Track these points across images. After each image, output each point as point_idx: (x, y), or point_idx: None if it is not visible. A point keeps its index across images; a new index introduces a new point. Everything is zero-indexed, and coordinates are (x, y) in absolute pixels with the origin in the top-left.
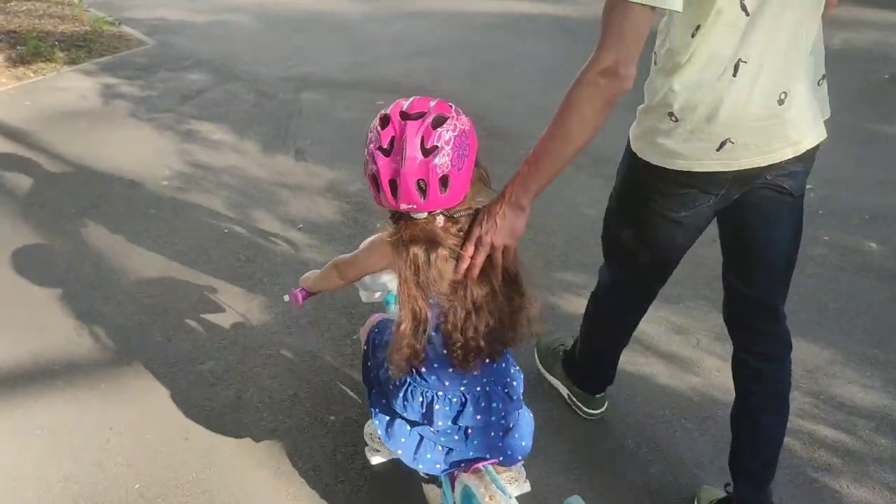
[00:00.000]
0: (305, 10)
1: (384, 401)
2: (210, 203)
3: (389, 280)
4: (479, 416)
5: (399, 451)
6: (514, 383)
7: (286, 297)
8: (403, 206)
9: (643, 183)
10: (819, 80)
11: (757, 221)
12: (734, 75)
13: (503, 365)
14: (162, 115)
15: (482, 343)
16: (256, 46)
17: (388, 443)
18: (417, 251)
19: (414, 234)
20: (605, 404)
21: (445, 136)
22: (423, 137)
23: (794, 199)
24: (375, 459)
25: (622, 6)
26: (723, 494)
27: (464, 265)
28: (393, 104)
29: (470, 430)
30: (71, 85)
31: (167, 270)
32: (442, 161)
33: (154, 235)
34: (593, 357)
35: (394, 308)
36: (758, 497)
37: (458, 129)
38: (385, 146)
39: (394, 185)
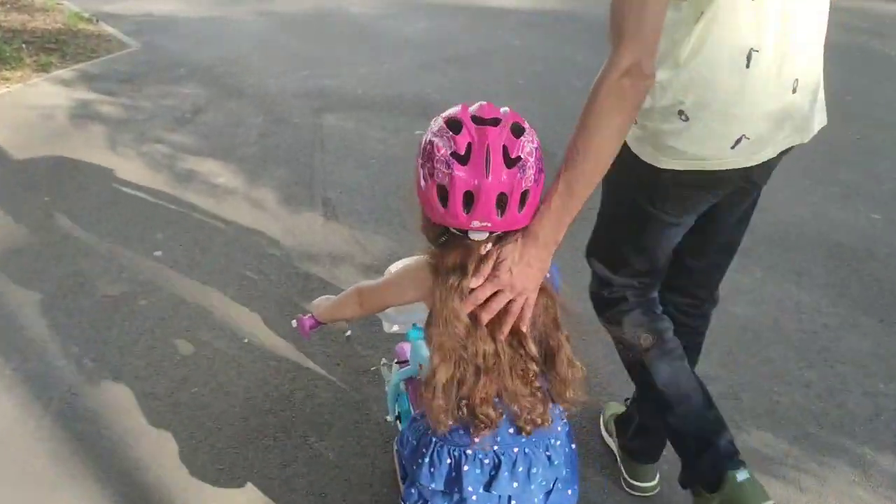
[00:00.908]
0: (314, 4)
1: (412, 490)
2: (220, 285)
3: (423, 308)
4: (515, 484)
5: None
6: (558, 444)
7: (293, 323)
8: (475, 224)
9: (647, 188)
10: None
11: (725, 209)
12: (747, 66)
13: (541, 435)
14: (150, 149)
15: (492, 413)
16: (261, 50)
17: None
18: (464, 283)
19: (461, 262)
20: (657, 478)
21: (527, 147)
22: (505, 146)
23: (757, 189)
24: None
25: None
26: (623, 409)
27: (468, 307)
28: (456, 108)
29: (512, 500)
30: (38, 101)
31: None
32: (526, 174)
33: (151, 358)
34: (641, 408)
35: (417, 344)
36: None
37: (535, 140)
38: (461, 153)
39: (470, 198)
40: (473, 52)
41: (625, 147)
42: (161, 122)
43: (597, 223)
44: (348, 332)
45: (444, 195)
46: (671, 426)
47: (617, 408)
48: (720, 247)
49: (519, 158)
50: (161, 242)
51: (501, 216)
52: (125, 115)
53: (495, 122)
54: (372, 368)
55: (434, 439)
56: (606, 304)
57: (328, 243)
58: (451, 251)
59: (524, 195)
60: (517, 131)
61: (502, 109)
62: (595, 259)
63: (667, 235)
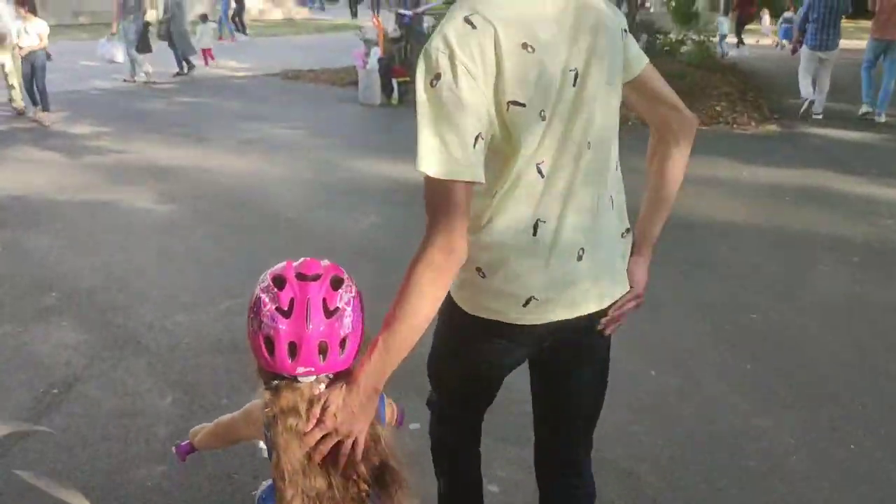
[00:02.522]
0: (230, 185)
1: None
2: None
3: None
4: None
5: None
6: None
7: (174, 448)
8: (300, 370)
9: (461, 330)
10: (623, 233)
11: (561, 375)
12: (534, 234)
13: None
14: None
15: None
16: (163, 260)
17: None
18: (294, 422)
19: (293, 404)
20: None
21: (345, 297)
22: (324, 299)
23: (597, 353)
24: None
25: (440, 185)
26: None
27: (303, 449)
28: (282, 265)
29: None
30: None
31: None
32: (344, 323)
33: None
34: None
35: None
36: None
37: (353, 290)
38: (285, 308)
39: (293, 347)
40: None
41: (448, 295)
42: (16, 412)
43: (428, 357)
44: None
45: (270, 346)
46: None
47: None
48: (573, 417)
49: (337, 309)
50: None
51: (324, 361)
52: None
53: (316, 277)
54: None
55: None
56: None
57: None
58: (284, 394)
59: (343, 341)
60: (336, 284)
61: (323, 263)
62: (434, 386)
63: (485, 372)
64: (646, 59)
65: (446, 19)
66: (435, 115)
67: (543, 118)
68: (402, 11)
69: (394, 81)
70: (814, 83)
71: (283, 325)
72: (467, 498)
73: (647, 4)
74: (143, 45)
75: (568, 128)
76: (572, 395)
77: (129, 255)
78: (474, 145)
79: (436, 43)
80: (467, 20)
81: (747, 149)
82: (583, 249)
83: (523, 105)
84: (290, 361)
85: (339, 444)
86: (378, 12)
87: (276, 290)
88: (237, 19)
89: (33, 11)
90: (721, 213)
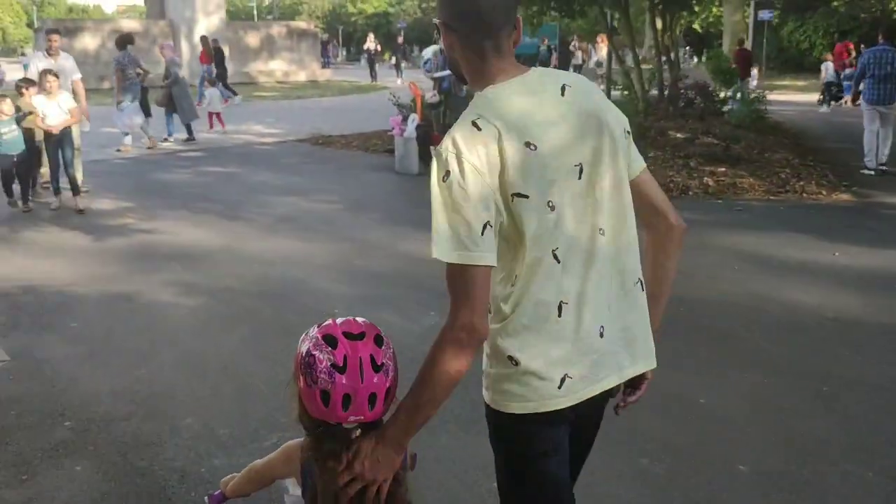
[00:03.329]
0: (263, 273)
1: None
2: None
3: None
4: None
5: None
6: None
7: (206, 498)
8: (351, 419)
9: (509, 435)
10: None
11: (576, 449)
12: (560, 316)
13: None
14: None
15: None
16: (195, 376)
17: None
18: (333, 465)
19: (334, 449)
20: None
21: (387, 353)
22: (372, 356)
23: (591, 430)
24: None
25: (459, 270)
26: None
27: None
28: (328, 323)
29: None
30: None
31: None
32: (389, 376)
33: None
34: None
35: None
36: None
37: (391, 346)
38: (340, 364)
39: (347, 399)
40: None
41: (486, 409)
42: None
43: (500, 495)
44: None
45: (326, 398)
46: None
47: None
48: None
49: (384, 364)
50: None
51: (371, 410)
52: None
53: (361, 336)
54: None
55: None
56: None
57: None
58: (327, 439)
59: (388, 392)
60: (379, 341)
61: (360, 320)
62: None
63: (548, 470)
64: (643, 164)
65: (457, 123)
66: (446, 207)
67: (552, 208)
68: (437, 75)
69: (432, 149)
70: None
71: (339, 379)
72: None
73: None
74: (145, 111)
75: (579, 217)
76: (578, 464)
77: (154, 369)
78: (482, 233)
79: (446, 144)
80: (474, 124)
81: (828, 225)
82: (603, 327)
83: (527, 196)
84: (343, 412)
85: (366, 486)
86: (400, 74)
87: (329, 348)
88: (222, 83)
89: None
90: (836, 308)
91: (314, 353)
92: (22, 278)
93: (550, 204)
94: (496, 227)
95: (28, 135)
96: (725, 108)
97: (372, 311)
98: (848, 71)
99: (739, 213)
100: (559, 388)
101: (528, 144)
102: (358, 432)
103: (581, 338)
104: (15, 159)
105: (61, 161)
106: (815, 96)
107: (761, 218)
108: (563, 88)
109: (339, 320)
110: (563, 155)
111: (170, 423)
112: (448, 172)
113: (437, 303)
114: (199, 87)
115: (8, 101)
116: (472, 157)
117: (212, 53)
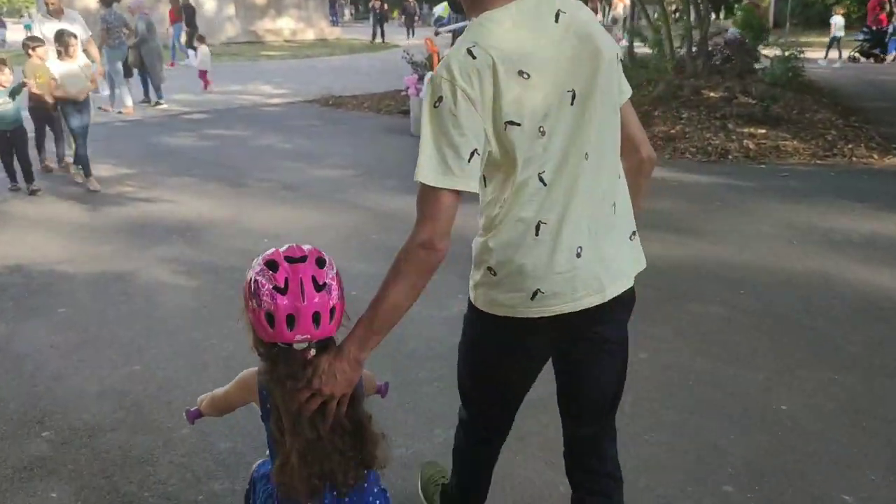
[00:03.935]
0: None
1: None
2: None
3: None
4: None
5: None
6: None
7: (185, 413)
8: (298, 338)
9: (481, 331)
10: (630, 236)
11: (581, 367)
12: (536, 235)
13: (364, 486)
14: None
15: (317, 482)
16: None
17: None
18: (291, 384)
19: (290, 369)
20: None
21: (330, 273)
22: (314, 276)
23: (612, 344)
24: None
25: (433, 191)
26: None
27: (295, 406)
28: (269, 252)
29: None
30: None
31: None
32: (332, 295)
33: None
34: (462, 491)
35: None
36: None
37: (335, 267)
38: (281, 286)
39: (291, 319)
40: None
41: (469, 301)
42: None
43: (458, 370)
44: None
45: (271, 320)
46: None
47: (433, 471)
48: (595, 406)
49: (326, 284)
50: None
51: (317, 329)
52: None
53: (303, 258)
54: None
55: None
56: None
57: None
58: (281, 361)
59: (332, 311)
60: (320, 263)
61: (305, 247)
62: (464, 399)
63: (506, 372)
64: (629, 94)
65: (453, 50)
66: (435, 132)
67: (542, 133)
68: (452, 27)
69: (426, 76)
70: None
71: (281, 300)
72: (475, 490)
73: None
74: (126, 72)
75: (568, 142)
76: (590, 385)
77: (148, 363)
78: (469, 160)
79: (440, 71)
80: (469, 52)
81: (887, 192)
82: (581, 248)
83: (519, 124)
84: (288, 332)
85: (325, 402)
86: (412, 34)
87: (271, 272)
88: (188, 43)
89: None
90: None
91: (258, 278)
92: (8, 255)
93: (542, 130)
94: (483, 154)
95: (37, 103)
96: (759, 66)
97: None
98: (890, 28)
99: (786, 178)
100: (531, 299)
101: (521, 73)
102: (313, 352)
103: (556, 257)
104: (8, 135)
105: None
106: (843, 53)
107: (811, 185)
108: (557, 14)
109: (283, 247)
110: (556, 82)
111: (164, 435)
112: (440, 98)
113: (466, 286)
114: (172, 49)
115: (6, 70)
116: (464, 85)
117: (181, 12)
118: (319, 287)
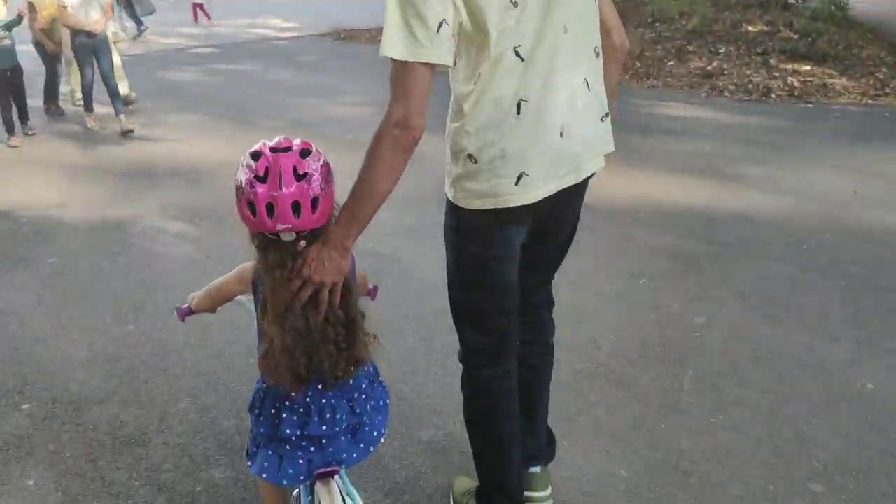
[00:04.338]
0: None
1: (251, 436)
2: None
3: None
4: (324, 427)
5: (264, 475)
6: (363, 398)
7: (175, 311)
8: (279, 227)
9: (466, 232)
10: (602, 117)
11: (540, 241)
12: (518, 113)
13: (350, 382)
14: None
15: (304, 372)
16: (201, 360)
17: (253, 470)
18: (280, 273)
19: (279, 259)
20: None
21: (313, 164)
22: (295, 166)
23: (572, 220)
24: None
25: (404, 67)
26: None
27: (287, 296)
28: (258, 144)
29: (324, 440)
30: None
31: None
32: (313, 185)
33: None
34: (495, 469)
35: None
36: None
37: (321, 159)
38: (261, 175)
39: (270, 207)
40: None
41: (447, 202)
42: None
43: (450, 294)
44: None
45: (252, 208)
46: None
47: (465, 483)
48: (545, 266)
49: (306, 174)
50: None
51: (298, 218)
52: None
53: (287, 149)
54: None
55: (263, 394)
56: (475, 364)
57: None
58: (271, 251)
59: (314, 201)
60: (304, 154)
61: (295, 141)
62: (461, 324)
63: (500, 272)
64: None
65: None
66: (401, 3)
67: (515, 4)
68: None
69: None
70: None
71: (260, 189)
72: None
73: None
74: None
75: (544, 14)
76: (546, 255)
77: (144, 323)
78: (438, 30)
79: None
80: None
81: None
82: (563, 127)
83: None
84: (269, 220)
85: (318, 293)
86: None
87: (253, 162)
88: None
89: None
90: None
91: (241, 169)
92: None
93: (513, 0)
94: (453, 25)
95: (40, 38)
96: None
97: (410, 245)
98: None
99: (839, 119)
100: (516, 184)
101: None
102: (303, 244)
103: (539, 136)
104: (8, 74)
105: (96, 72)
106: None
107: (866, 126)
108: None
109: (273, 139)
110: None
111: (159, 409)
112: None
113: None
114: None
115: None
116: None
117: None
118: (299, 177)
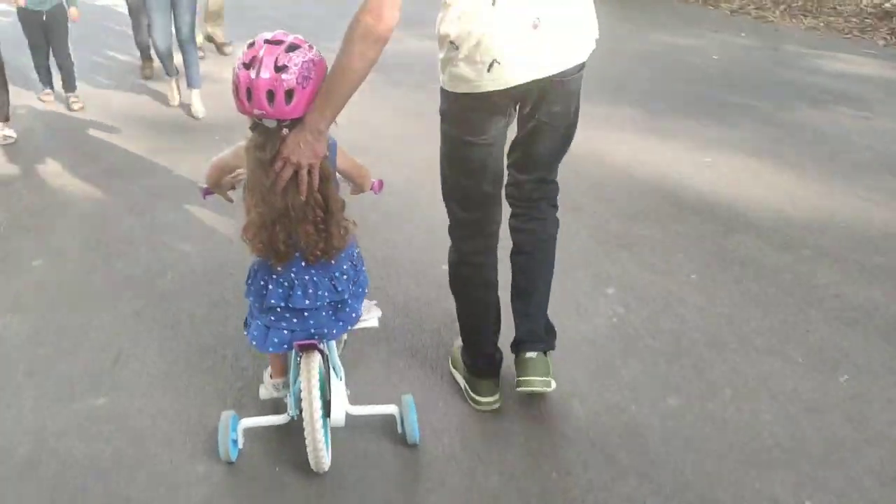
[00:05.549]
0: None
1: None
2: None
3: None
4: (307, 301)
5: (254, 343)
6: (344, 277)
7: (200, 191)
8: (256, 112)
9: (449, 114)
10: (583, 5)
11: (535, 130)
12: (493, 4)
13: (332, 263)
14: None
15: (283, 248)
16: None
17: (248, 339)
18: (263, 155)
19: (261, 141)
20: (497, 396)
21: (295, 59)
22: (276, 57)
23: (562, 122)
24: (262, 394)
25: None
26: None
27: (268, 175)
28: (262, 34)
29: (306, 313)
30: None
31: None
32: (288, 77)
33: None
34: (472, 330)
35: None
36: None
37: (307, 56)
38: (247, 62)
39: (248, 92)
40: None
41: (441, 93)
42: None
43: (440, 171)
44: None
45: (236, 91)
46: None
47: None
48: (541, 164)
49: (285, 66)
50: None
51: (272, 106)
52: None
53: (278, 42)
54: None
55: (255, 269)
56: (458, 236)
57: None
58: (256, 133)
59: (289, 93)
60: (291, 48)
61: (290, 37)
62: (447, 199)
63: (479, 155)
64: None
65: None
66: None
67: None
68: None
69: None
70: None
71: (242, 74)
72: (487, 311)
73: None
74: None
75: None
76: (539, 152)
77: (121, 321)
78: None
79: None
80: None
81: None
82: (538, 19)
83: None
84: (248, 104)
85: (297, 174)
86: None
87: (245, 49)
88: None
89: None
90: None
91: (238, 55)
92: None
93: None
94: None
95: None
96: None
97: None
98: None
99: None
100: (487, 71)
101: None
102: (286, 131)
103: (514, 25)
104: (44, 18)
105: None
106: None
107: None
108: None
109: (274, 32)
110: None
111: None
112: None
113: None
114: None
115: None
116: None
117: None
118: (278, 68)
